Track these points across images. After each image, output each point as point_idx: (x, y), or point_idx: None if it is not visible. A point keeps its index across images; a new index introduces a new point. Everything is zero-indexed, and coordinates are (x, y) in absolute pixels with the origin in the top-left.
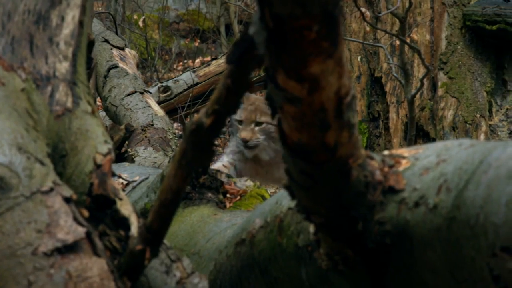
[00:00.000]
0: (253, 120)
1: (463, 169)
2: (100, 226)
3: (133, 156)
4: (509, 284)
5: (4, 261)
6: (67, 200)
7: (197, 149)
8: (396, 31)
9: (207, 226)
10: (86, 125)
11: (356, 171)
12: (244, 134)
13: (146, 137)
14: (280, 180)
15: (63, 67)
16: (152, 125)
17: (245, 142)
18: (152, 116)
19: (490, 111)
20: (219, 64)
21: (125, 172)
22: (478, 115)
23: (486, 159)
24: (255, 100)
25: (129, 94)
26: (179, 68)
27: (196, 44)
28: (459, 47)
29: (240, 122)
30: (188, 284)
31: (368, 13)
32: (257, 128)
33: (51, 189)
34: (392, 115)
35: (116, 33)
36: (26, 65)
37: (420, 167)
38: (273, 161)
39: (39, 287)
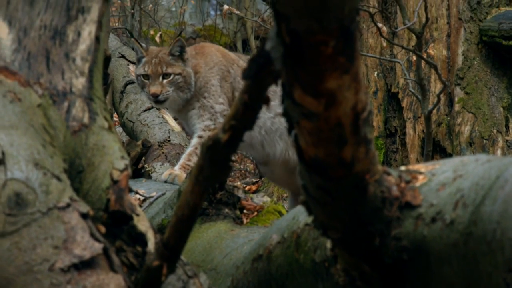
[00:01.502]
0: (160, 73)
1: (479, 184)
2: (117, 242)
3: (150, 172)
4: None
5: (21, 277)
6: (84, 216)
7: (214, 165)
8: (413, 46)
9: (224, 242)
10: (103, 140)
11: (373, 186)
12: (154, 88)
13: (163, 152)
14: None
15: (80, 82)
16: (169, 140)
17: (155, 97)
18: (169, 132)
19: (507, 126)
20: None
21: (142, 188)
22: (494, 131)
23: (502, 175)
24: (158, 52)
25: (146, 110)
26: None
27: None
28: (475, 62)
29: (146, 76)
30: None
31: (384, 29)
32: (165, 81)
33: (68, 205)
34: (409, 130)
35: (133, 49)
36: (42, 80)
37: (437, 182)
38: (185, 109)
39: None
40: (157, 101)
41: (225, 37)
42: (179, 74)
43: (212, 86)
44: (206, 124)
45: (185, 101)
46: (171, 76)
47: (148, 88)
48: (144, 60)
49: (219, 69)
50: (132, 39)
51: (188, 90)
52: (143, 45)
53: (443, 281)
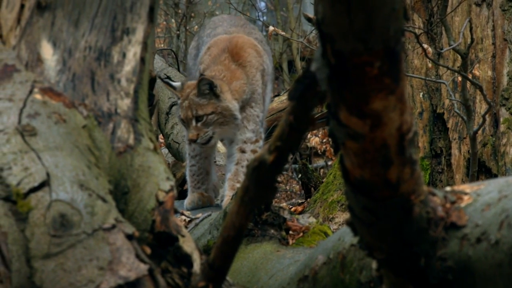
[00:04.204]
0: (191, 117)
1: None
2: (162, 263)
3: None
4: None
5: None
6: (129, 237)
7: (259, 186)
8: (458, 67)
9: (270, 263)
10: (148, 162)
11: (418, 207)
12: (190, 135)
13: None
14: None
15: (125, 104)
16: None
17: (193, 142)
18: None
19: None
20: (282, 100)
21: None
22: None
23: None
24: (188, 93)
25: None
26: None
27: None
28: None
29: (182, 121)
30: None
31: (430, 49)
32: (199, 123)
33: (113, 226)
34: (455, 151)
35: (178, 70)
36: (87, 101)
37: (482, 203)
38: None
39: None
40: (197, 144)
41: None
42: (212, 113)
43: (258, 94)
44: (248, 136)
45: (236, 128)
46: (204, 118)
47: (187, 133)
48: (179, 102)
49: (260, 73)
50: (164, 83)
51: (233, 119)
52: (177, 84)
53: None
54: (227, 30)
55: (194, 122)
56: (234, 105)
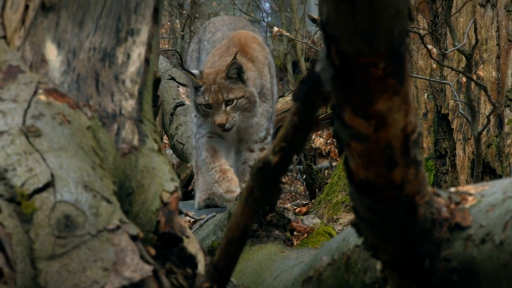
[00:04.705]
0: (222, 100)
1: None
2: (167, 264)
3: None
4: None
5: None
6: (134, 238)
7: (264, 187)
8: (462, 68)
9: (274, 264)
10: (153, 163)
11: (423, 208)
12: (219, 118)
13: None
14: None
15: (129, 104)
16: None
17: (222, 126)
18: None
19: None
20: (286, 101)
21: (192, 210)
22: None
23: None
24: (215, 77)
25: None
26: None
27: None
28: None
29: (207, 106)
30: None
31: (434, 50)
32: (228, 107)
33: (118, 227)
34: (459, 152)
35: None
36: (92, 102)
37: (486, 203)
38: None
39: None
40: (225, 129)
41: (275, 59)
42: (242, 97)
43: (267, 90)
44: (261, 135)
45: (249, 118)
46: (234, 102)
47: (213, 118)
48: (202, 88)
49: (267, 68)
50: (184, 71)
51: (254, 108)
52: (195, 72)
53: None
54: (226, 34)
55: (223, 106)
56: (256, 92)
